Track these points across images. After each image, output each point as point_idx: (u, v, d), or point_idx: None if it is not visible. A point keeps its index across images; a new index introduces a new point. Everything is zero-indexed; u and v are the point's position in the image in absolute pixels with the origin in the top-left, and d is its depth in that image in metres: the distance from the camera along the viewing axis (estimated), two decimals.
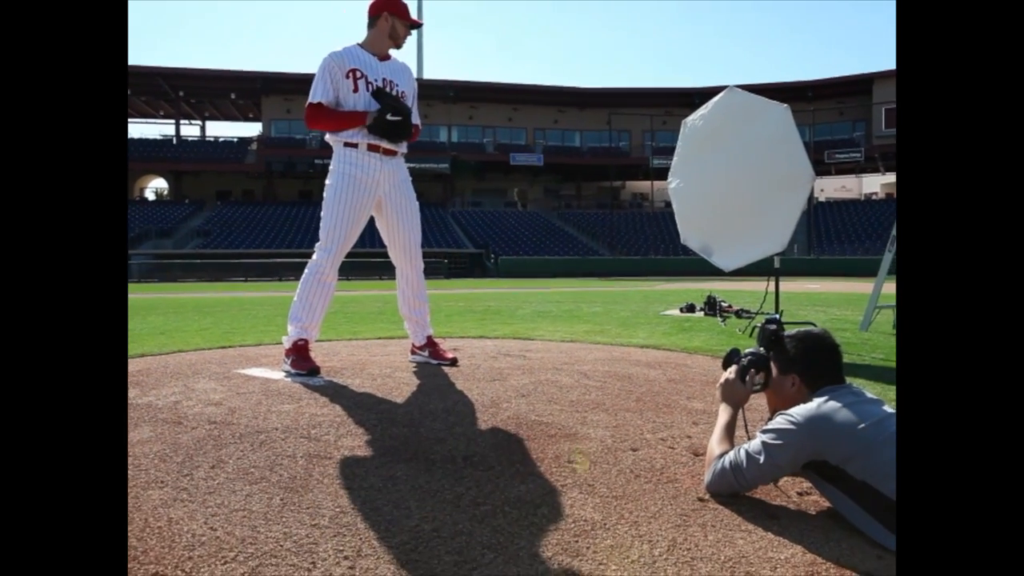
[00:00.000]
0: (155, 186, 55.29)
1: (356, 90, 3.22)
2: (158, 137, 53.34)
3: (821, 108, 44.01)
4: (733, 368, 2.15)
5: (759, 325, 5.47)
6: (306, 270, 3.25)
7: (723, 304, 8.40)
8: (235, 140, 52.56)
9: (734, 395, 2.13)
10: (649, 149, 49.43)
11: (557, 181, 54.98)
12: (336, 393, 2.77)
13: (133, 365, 3.66)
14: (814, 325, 5.75)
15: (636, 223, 47.07)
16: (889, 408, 1.91)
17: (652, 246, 41.96)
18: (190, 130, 55.78)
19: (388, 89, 3.27)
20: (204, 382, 2.98)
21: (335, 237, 3.21)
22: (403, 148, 3.41)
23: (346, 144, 3.25)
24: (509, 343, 5.11)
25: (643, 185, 51.42)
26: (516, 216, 49.07)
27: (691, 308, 8.74)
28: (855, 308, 9.48)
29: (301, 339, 3.22)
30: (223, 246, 39.29)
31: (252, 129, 55.91)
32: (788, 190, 4.88)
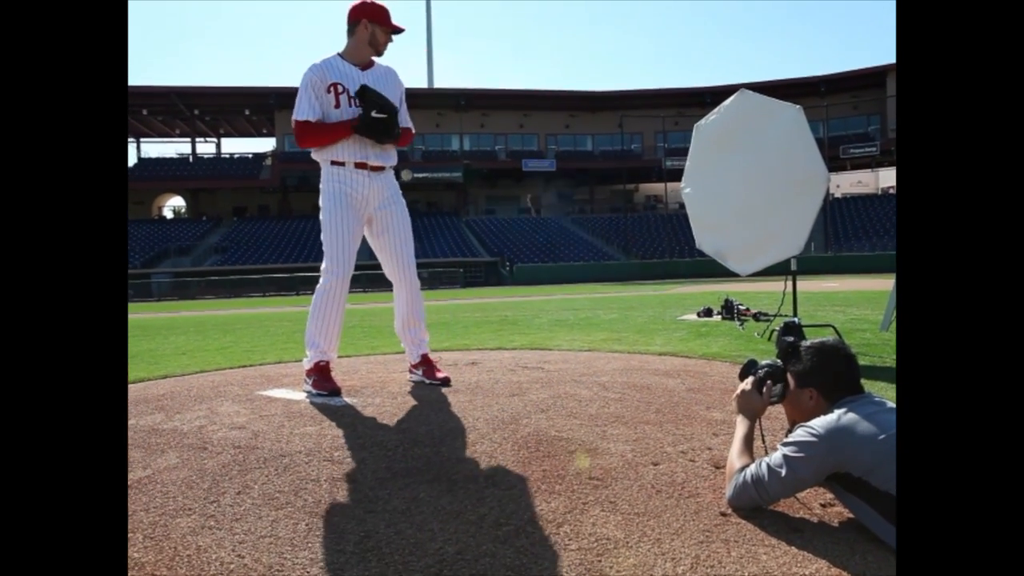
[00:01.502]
0: (173, 204, 56.13)
1: (338, 105, 3.15)
2: (175, 156, 54.15)
3: (834, 103, 43.66)
4: (750, 379, 2.15)
5: (777, 329, 5.41)
6: (316, 296, 3.21)
7: (740, 307, 8.35)
8: (250, 156, 53.16)
9: (751, 406, 2.12)
10: (662, 151, 49.28)
11: (570, 186, 55.00)
12: (357, 413, 2.80)
13: (157, 388, 3.72)
14: (833, 327, 5.70)
15: (651, 226, 46.93)
16: None
17: (667, 248, 41.79)
18: (206, 148, 56.56)
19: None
20: (227, 405, 3.02)
21: (341, 260, 3.17)
22: (391, 160, 3.33)
23: (333, 163, 3.20)
24: (527, 354, 5.12)
25: (657, 187, 51.22)
26: (530, 223, 49.13)
27: (708, 312, 8.70)
28: (875, 307, 9.38)
29: (322, 360, 3.24)
30: (240, 262, 39.73)
31: (267, 144, 56.53)
32: (803, 192, 4.86)
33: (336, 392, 3.13)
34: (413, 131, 3.49)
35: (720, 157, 5.39)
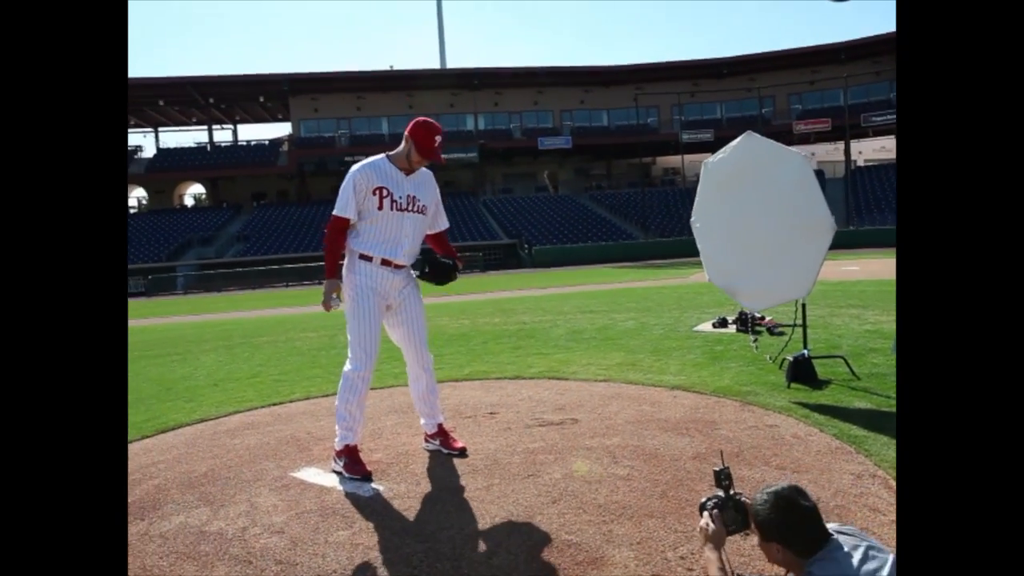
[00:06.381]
0: (193, 192, 56.93)
1: (381, 207, 3.46)
2: (193, 145, 54.78)
3: (855, 72, 42.76)
4: (706, 515, 2.26)
5: (788, 358, 5.48)
6: (345, 381, 3.49)
7: (756, 316, 8.47)
8: (266, 143, 53.57)
9: (717, 536, 2.23)
10: (678, 123, 48.81)
11: (587, 161, 54.70)
12: (385, 509, 3.04)
13: (200, 461, 3.98)
14: (844, 359, 5.76)
15: (668, 200, 46.58)
16: (883, 553, 2.00)
17: (685, 225, 41.41)
18: (223, 135, 57.07)
19: (409, 205, 3.52)
20: (265, 495, 3.29)
21: (366, 350, 3.48)
22: (413, 260, 3.66)
23: (361, 256, 3.50)
24: (544, 392, 5.36)
25: (674, 160, 50.82)
26: (547, 201, 49.06)
27: (723, 323, 8.85)
28: (893, 307, 9.42)
29: (352, 443, 3.51)
30: (262, 251, 40.40)
31: (283, 129, 56.91)
32: (808, 240, 4.95)
33: (368, 477, 3.39)
34: (448, 227, 3.89)
35: (728, 196, 5.49)
